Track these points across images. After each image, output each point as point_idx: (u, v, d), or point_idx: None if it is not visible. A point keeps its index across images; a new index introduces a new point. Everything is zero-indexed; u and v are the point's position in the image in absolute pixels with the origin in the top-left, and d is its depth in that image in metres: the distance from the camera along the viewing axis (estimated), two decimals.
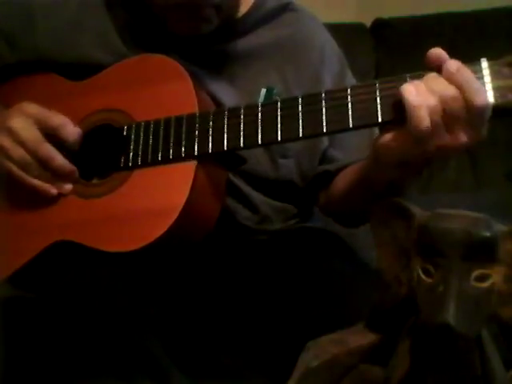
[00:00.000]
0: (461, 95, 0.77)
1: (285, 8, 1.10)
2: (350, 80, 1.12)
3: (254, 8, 1.08)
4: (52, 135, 0.97)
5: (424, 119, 0.77)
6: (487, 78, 0.79)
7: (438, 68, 0.81)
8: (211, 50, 1.05)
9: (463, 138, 0.79)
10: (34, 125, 0.96)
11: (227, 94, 1.03)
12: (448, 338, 0.57)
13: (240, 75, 1.05)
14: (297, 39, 1.09)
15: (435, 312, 0.56)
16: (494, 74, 0.79)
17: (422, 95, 0.78)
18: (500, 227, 0.59)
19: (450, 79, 0.79)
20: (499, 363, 0.61)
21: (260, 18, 1.08)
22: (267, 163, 1.03)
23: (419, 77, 0.82)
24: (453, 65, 0.79)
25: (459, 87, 0.78)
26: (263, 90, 1.04)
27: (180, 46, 1.03)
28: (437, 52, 0.82)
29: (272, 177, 1.04)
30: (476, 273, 0.57)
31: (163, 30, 1.03)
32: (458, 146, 0.79)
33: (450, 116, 0.78)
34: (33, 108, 0.98)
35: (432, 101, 0.78)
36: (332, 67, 1.09)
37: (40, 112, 0.97)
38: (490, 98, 0.78)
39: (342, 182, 1.05)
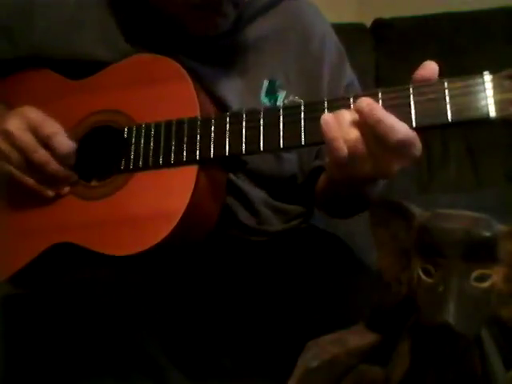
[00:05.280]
0: (373, 134, 0.79)
1: None
2: (349, 74, 1.11)
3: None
4: (44, 143, 0.95)
5: (339, 150, 0.80)
6: (489, 92, 0.79)
7: (424, 79, 0.81)
8: (212, 44, 1.04)
9: (394, 165, 0.81)
10: (27, 130, 0.95)
11: (229, 88, 1.02)
12: (448, 337, 0.57)
13: (241, 68, 1.04)
14: (297, 28, 1.08)
15: (435, 312, 0.56)
16: (496, 88, 0.79)
17: (341, 127, 0.80)
18: (500, 227, 0.59)
19: (361, 120, 0.79)
20: (499, 363, 0.61)
21: (258, 9, 1.07)
22: (272, 159, 1.03)
23: (421, 87, 0.82)
24: (363, 104, 0.79)
25: (370, 128, 0.79)
26: (265, 82, 1.04)
27: (181, 43, 1.02)
28: (432, 66, 0.82)
29: (276, 172, 1.03)
30: (476, 273, 0.57)
31: (163, 28, 1.03)
32: (391, 171, 0.81)
33: (373, 148, 0.79)
34: (30, 112, 0.96)
35: (353, 134, 0.79)
36: (331, 59, 1.09)
37: (36, 118, 0.96)
38: (492, 111, 0.78)
39: (321, 177, 1.06)
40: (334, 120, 0.81)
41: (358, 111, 0.79)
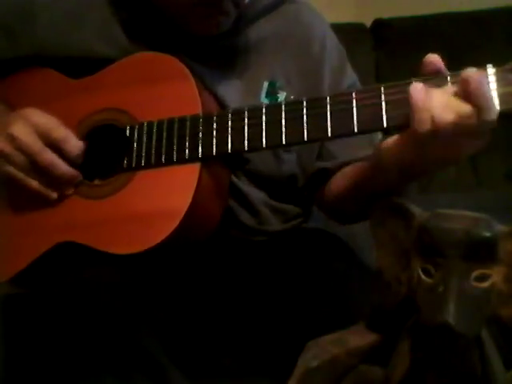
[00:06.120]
0: (476, 113, 0.76)
1: (284, 0, 1.10)
2: (350, 75, 1.11)
3: (252, 0, 1.07)
4: (54, 147, 0.95)
5: (426, 122, 0.76)
6: (493, 85, 0.78)
7: (433, 73, 0.81)
8: (213, 45, 1.04)
9: (468, 148, 0.79)
10: (34, 133, 0.94)
11: (229, 89, 1.02)
12: (448, 337, 0.57)
13: (241, 68, 1.04)
14: (297, 31, 1.08)
15: (435, 312, 0.56)
16: (500, 81, 0.79)
17: (430, 101, 0.76)
18: (500, 227, 0.59)
19: (470, 94, 0.76)
20: (499, 363, 0.61)
21: (259, 10, 1.07)
22: (271, 159, 1.02)
23: (424, 82, 0.81)
24: (476, 79, 0.76)
25: (477, 104, 0.75)
26: (265, 84, 1.04)
27: (182, 43, 1.02)
28: (435, 58, 0.81)
29: (275, 173, 1.03)
30: (476, 273, 0.57)
31: (164, 28, 1.03)
32: (460, 156, 0.79)
33: (461, 130, 0.76)
34: (36, 116, 0.96)
35: (449, 117, 0.76)
36: (332, 61, 1.09)
37: (43, 122, 0.95)
38: (496, 104, 0.77)
39: (340, 181, 1.04)
40: (424, 92, 0.77)
41: (465, 80, 0.75)
